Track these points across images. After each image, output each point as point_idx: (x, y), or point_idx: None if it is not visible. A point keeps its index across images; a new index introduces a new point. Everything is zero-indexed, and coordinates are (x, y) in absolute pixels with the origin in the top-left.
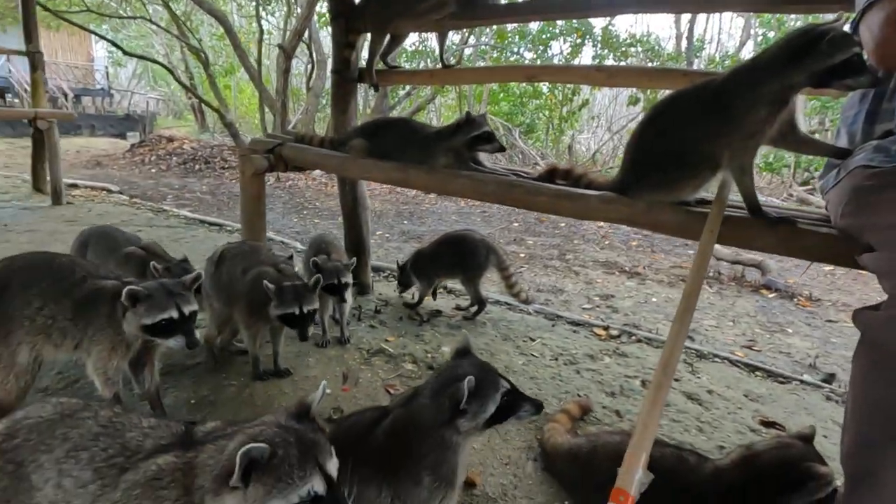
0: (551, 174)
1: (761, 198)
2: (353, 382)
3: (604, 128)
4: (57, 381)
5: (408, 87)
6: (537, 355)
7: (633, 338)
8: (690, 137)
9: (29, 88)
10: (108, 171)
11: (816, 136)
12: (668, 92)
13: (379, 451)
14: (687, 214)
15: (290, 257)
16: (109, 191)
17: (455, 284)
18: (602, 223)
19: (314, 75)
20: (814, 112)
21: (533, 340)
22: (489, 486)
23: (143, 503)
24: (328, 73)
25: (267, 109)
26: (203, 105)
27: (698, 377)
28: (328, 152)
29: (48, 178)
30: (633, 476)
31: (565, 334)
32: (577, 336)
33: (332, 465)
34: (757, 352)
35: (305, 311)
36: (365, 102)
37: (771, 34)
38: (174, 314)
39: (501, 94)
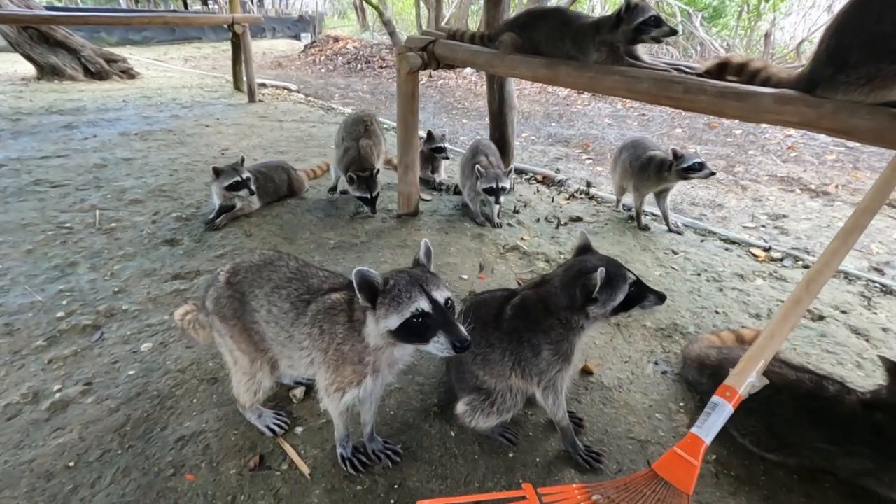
0: (721, 68)
1: None
2: (490, 272)
3: (821, 8)
4: None
5: None
6: (677, 269)
7: (800, 263)
8: None
9: None
10: (287, 71)
11: None
12: None
13: (507, 323)
14: (891, 118)
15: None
16: (289, 90)
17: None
18: (791, 131)
19: None
20: None
21: (675, 254)
22: (605, 378)
23: (323, 324)
24: None
25: (422, 4)
26: (364, 2)
27: (874, 313)
28: (478, 48)
29: (244, 78)
30: (746, 377)
31: (714, 251)
32: (727, 254)
33: (440, 294)
34: None
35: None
36: None
37: None
38: None
39: None
